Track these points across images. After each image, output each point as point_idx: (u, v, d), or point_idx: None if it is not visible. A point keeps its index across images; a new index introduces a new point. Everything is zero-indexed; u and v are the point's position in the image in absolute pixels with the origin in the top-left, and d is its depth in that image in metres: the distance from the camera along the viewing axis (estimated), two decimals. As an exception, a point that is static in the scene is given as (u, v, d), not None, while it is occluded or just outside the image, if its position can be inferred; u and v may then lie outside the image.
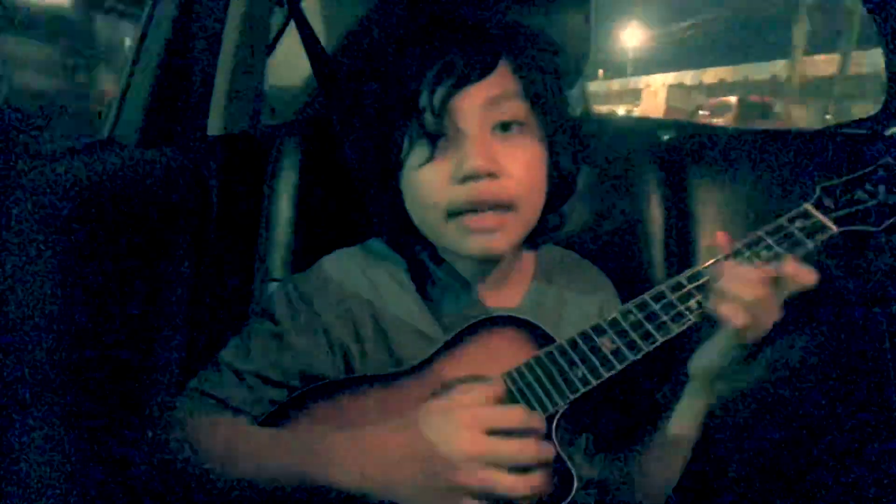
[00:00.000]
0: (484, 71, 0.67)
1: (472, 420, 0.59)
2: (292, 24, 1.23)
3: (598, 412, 0.76)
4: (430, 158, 0.67)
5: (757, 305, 0.60)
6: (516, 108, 0.69)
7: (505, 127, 0.68)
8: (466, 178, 0.65)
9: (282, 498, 0.62)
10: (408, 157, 0.69)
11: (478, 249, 0.69)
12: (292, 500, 0.61)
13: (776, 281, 0.61)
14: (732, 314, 0.60)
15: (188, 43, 0.99)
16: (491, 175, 0.66)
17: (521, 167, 0.68)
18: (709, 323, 0.65)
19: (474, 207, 0.67)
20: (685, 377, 0.70)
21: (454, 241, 0.69)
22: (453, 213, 0.67)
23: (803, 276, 0.61)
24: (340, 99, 1.12)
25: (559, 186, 0.76)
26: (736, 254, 0.66)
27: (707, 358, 0.67)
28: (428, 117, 0.66)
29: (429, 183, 0.67)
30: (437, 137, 0.67)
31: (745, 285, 0.60)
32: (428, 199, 0.68)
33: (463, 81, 0.66)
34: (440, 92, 0.66)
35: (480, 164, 0.65)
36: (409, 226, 0.74)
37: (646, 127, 1.14)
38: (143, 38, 0.98)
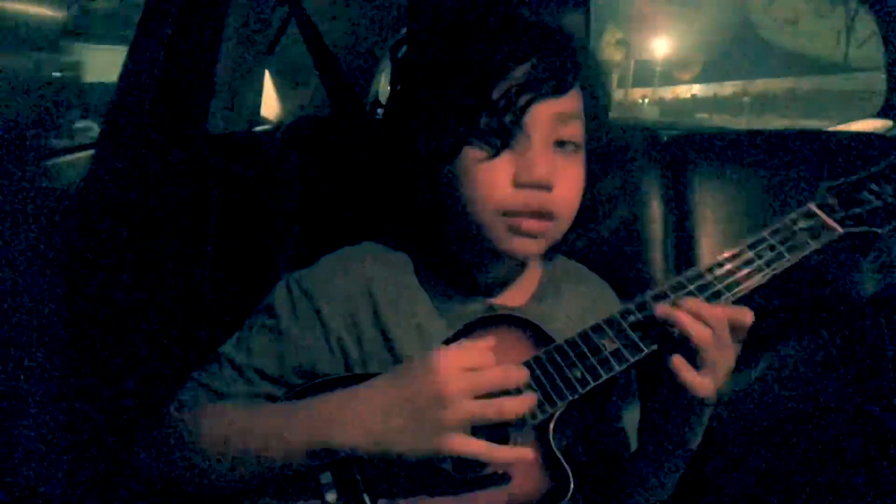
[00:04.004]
0: (563, 87, 0.69)
1: (453, 360, 0.60)
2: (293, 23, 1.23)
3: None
4: (493, 157, 0.68)
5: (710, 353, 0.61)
6: (577, 128, 0.71)
7: (563, 144, 0.70)
8: (527, 186, 0.67)
9: (285, 478, 0.63)
10: (466, 150, 0.69)
11: (519, 250, 0.70)
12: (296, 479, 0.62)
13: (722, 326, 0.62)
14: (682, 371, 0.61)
15: (188, 43, 0.99)
16: (547, 187, 0.68)
17: (570, 184, 0.71)
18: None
19: (526, 213, 0.68)
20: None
21: (499, 237, 0.70)
22: (506, 213, 0.69)
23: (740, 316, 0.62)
24: (343, 97, 1.12)
25: (589, 208, 0.77)
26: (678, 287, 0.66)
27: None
28: (503, 118, 0.68)
29: (488, 180, 0.68)
30: (507, 138, 0.68)
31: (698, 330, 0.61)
32: (484, 195, 0.69)
33: (544, 92, 0.68)
34: (523, 98, 0.67)
35: (543, 176, 0.67)
36: (436, 218, 0.75)
37: (646, 127, 1.13)
38: (142, 36, 0.98)
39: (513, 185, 0.68)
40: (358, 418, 0.61)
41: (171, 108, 1.03)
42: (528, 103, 0.67)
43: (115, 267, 0.92)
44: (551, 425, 0.64)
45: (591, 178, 0.80)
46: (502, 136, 0.68)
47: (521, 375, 0.61)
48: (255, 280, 0.95)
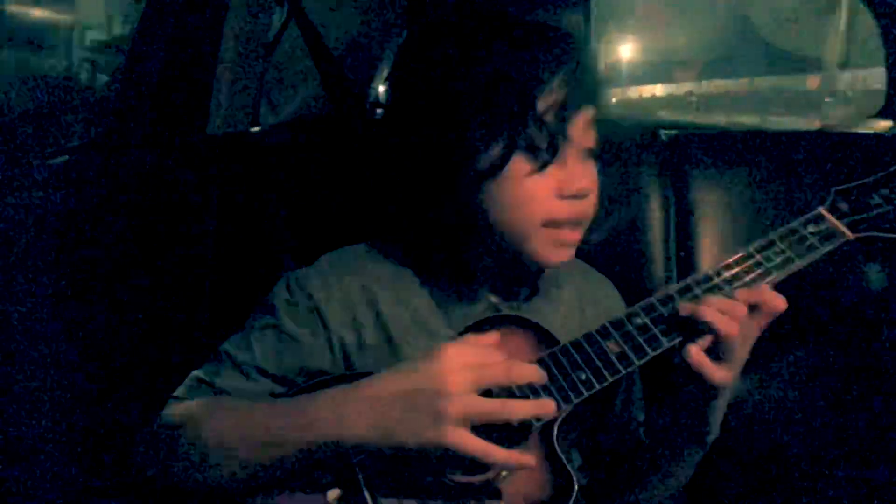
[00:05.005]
0: (596, 94, 0.70)
1: (457, 355, 0.60)
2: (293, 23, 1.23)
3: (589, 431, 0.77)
4: (540, 170, 0.67)
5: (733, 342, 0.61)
6: (594, 133, 0.72)
7: (589, 151, 0.71)
8: (572, 196, 0.68)
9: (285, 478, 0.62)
10: (511, 163, 0.67)
11: (557, 260, 0.72)
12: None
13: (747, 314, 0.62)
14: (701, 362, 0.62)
15: (188, 43, 0.99)
16: (587, 196, 0.70)
17: (596, 190, 0.72)
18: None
19: (571, 223, 0.70)
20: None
21: (539, 249, 0.70)
22: (547, 224, 0.69)
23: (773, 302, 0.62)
24: (343, 97, 1.12)
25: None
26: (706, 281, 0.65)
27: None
28: (551, 130, 0.67)
29: (533, 193, 0.68)
30: (555, 151, 0.67)
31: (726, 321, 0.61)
32: (530, 208, 0.68)
33: (583, 102, 0.68)
34: (570, 109, 0.67)
35: (587, 186, 0.69)
36: (460, 228, 0.73)
37: (647, 127, 1.13)
38: (141, 37, 0.98)
39: (557, 196, 0.68)
40: (361, 409, 0.60)
41: (171, 108, 1.03)
42: (574, 114, 0.67)
43: (115, 266, 0.92)
44: (555, 428, 0.63)
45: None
46: (551, 149, 0.67)
47: (526, 372, 0.61)
48: (255, 279, 0.95)
